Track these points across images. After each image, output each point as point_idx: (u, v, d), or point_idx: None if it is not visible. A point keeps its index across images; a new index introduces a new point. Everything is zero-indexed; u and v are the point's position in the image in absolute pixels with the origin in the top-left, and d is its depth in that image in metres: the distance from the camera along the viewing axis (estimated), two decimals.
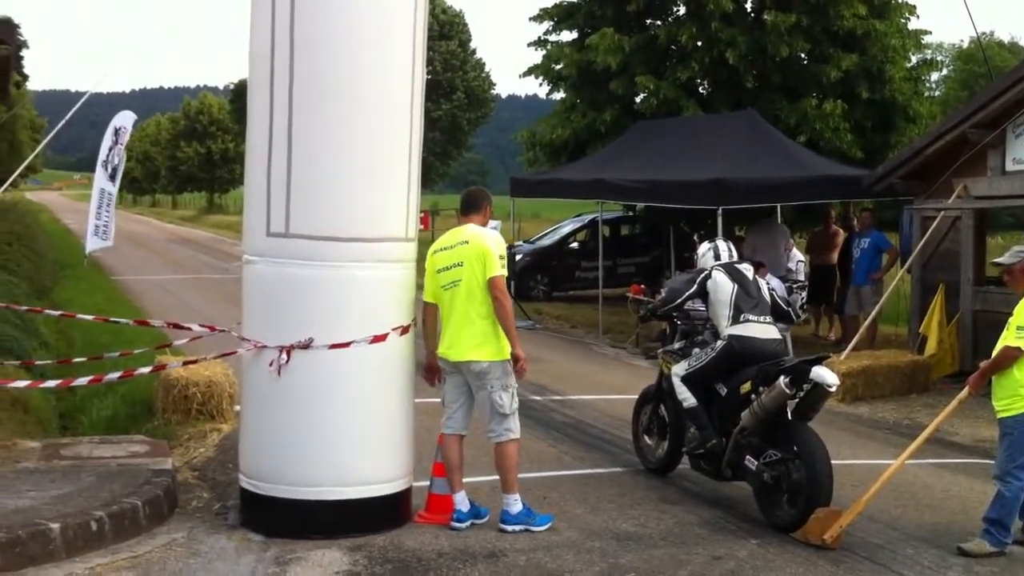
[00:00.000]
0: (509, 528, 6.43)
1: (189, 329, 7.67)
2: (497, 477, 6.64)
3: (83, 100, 6.69)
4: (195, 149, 71.79)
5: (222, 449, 8.26)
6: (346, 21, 6.09)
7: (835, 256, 15.98)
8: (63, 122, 6.68)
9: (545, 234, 23.10)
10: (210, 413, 8.99)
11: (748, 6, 18.65)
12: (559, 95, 20.87)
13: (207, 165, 72.38)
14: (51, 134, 6.25)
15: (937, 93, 33.77)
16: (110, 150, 10.94)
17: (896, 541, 6.56)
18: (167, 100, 76.85)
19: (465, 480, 6.65)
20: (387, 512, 6.37)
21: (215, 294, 19.80)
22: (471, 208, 6.76)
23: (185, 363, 8.04)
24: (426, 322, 6.69)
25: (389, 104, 6.25)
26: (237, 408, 8.83)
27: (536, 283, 20.35)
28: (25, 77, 43.64)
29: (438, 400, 9.88)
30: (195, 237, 42.87)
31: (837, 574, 5.96)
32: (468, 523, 6.51)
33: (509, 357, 6.43)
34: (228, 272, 25.14)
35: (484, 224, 6.72)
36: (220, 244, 37.41)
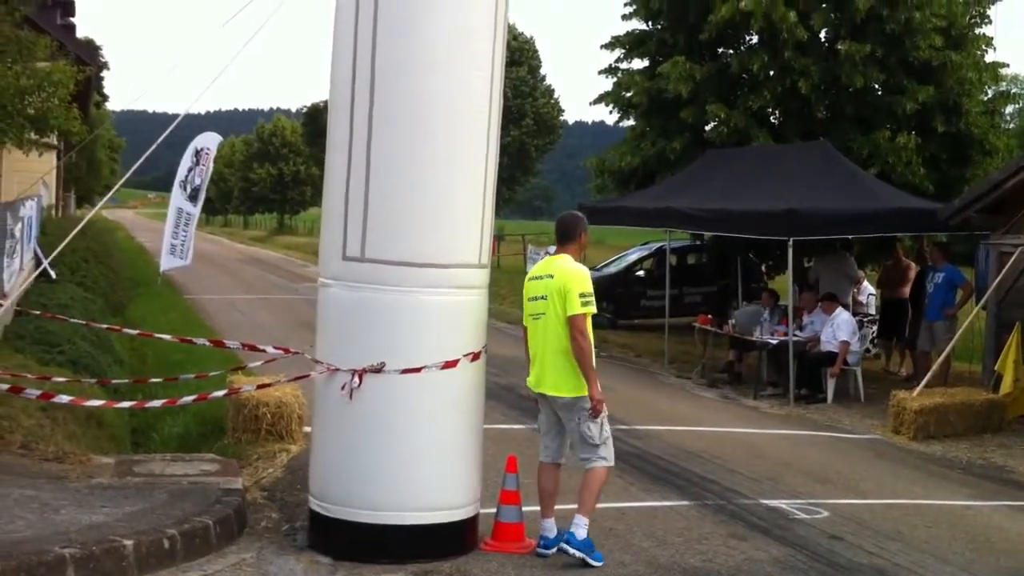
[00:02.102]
0: (571, 550, 6.38)
1: (264, 351, 7.78)
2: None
3: (176, 122, 6.84)
4: (267, 171, 73.09)
5: (290, 470, 8.34)
6: (427, 47, 6.15)
7: (907, 290, 15.73)
8: (157, 143, 6.84)
9: (611, 261, 23.06)
10: (279, 434, 9.09)
11: (822, 35, 18.49)
12: (629, 123, 20.86)
13: (278, 186, 73.62)
14: (145, 155, 6.40)
15: (1012, 125, 33.10)
16: (189, 171, 11.10)
17: None
18: (241, 122, 78.30)
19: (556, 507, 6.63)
20: (454, 539, 6.37)
21: (285, 315, 20.08)
22: (564, 238, 6.70)
23: (259, 387, 8.15)
24: (526, 344, 6.74)
25: (467, 130, 6.30)
26: (306, 429, 8.94)
27: (601, 311, 20.26)
28: (105, 97, 44.87)
29: (505, 427, 9.98)
30: (265, 257, 43.52)
31: None
32: (553, 550, 6.48)
33: None
34: (297, 293, 25.49)
35: (580, 253, 6.69)
36: (290, 265, 37.91)
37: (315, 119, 55.31)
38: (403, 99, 6.15)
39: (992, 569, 6.76)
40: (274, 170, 73.34)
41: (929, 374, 12.10)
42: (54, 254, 6.23)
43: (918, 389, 11.75)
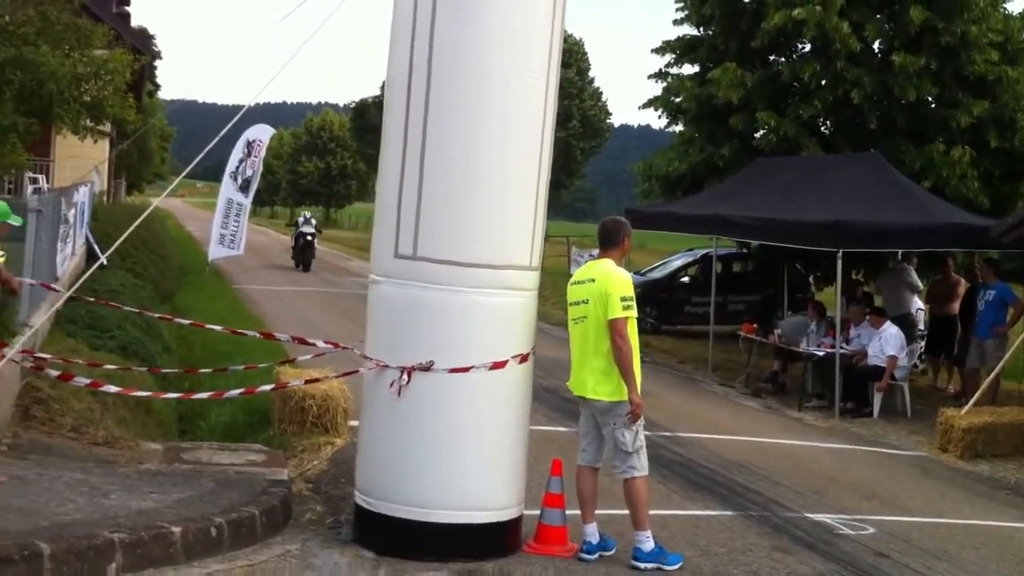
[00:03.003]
0: (641, 566, 6.37)
1: (314, 345, 7.82)
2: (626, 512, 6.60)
3: (240, 114, 6.88)
4: (315, 164, 73.59)
5: (335, 463, 8.38)
6: (485, 46, 6.15)
7: (956, 306, 15.50)
8: (219, 136, 6.88)
9: (656, 267, 22.97)
10: (324, 426, 9.14)
11: (876, 46, 18.28)
12: (677, 128, 20.76)
13: (325, 180, 74.11)
14: (208, 147, 6.40)
15: None
16: (240, 162, 11.23)
17: None
18: (289, 115, 78.85)
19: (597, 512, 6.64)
20: (498, 539, 6.38)
21: (329, 308, 20.19)
22: (607, 243, 6.72)
23: (307, 382, 8.20)
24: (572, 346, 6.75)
25: (522, 131, 6.30)
26: (351, 423, 8.99)
27: (645, 315, 20.22)
28: (157, 87, 45.39)
29: (548, 428, 9.96)
30: None
31: None
32: (596, 555, 6.49)
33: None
34: (341, 286, 25.64)
35: (622, 258, 6.68)
36: (335, 259, 38.11)
37: (363, 114, 55.68)
38: (459, 98, 6.15)
39: None
40: (321, 164, 73.83)
41: (979, 393, 11.93)
42: (115, 246, 6.29)
43: (967, 407, 11.60)
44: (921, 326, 16.52)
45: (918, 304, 17.31)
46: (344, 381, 9.03)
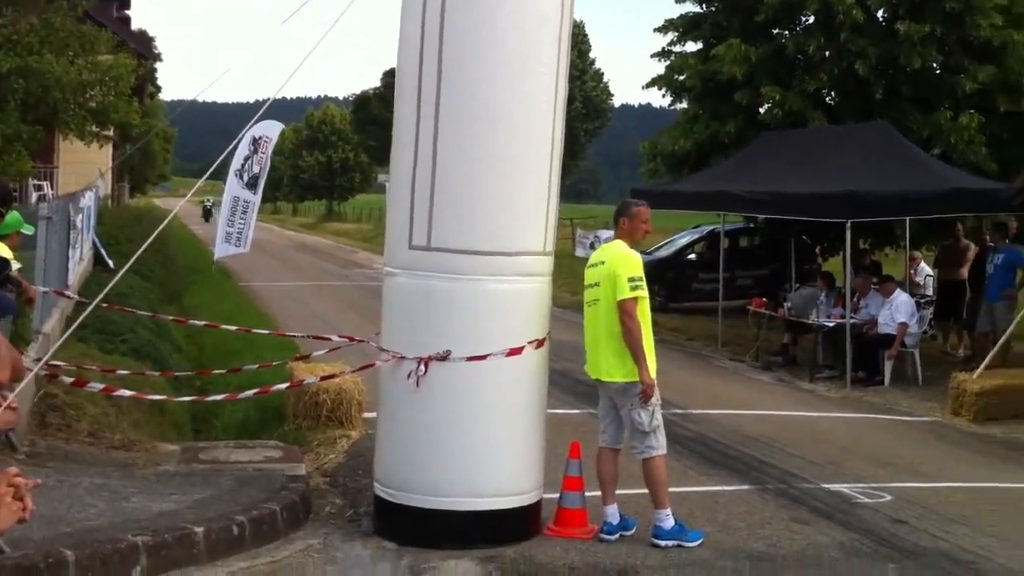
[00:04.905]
0: (662, 543, 6.42)
1: (329, 340, 7.84)
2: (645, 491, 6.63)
3: (264, 109, 6.88)
4: (316, 158, 73.60)
5: (352, 455, 8.42)
6: (496, 34, 6.14)
7: (965, 271, 15.48)
8: (240, 136, 6.89)
9: (662, 245, 22.95)
10: (339, 420, 9.16)
11: (880, 15, 18.18)
12: (681, 106, 20.71)
13: (327, 174, 74.12)
14: (231, 147, 6.40)
15: None
16: (246, 159, 11.21)
17: None
18: (290, 110, 78.60)
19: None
20: (519, 524, 6.41)
21: (337, 301, 20.23)
22: (615, 224, 6.82)
23: (322, 378, 8.23)
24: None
25: (533, 118, 6.29)
26: (366, 415, 9.03)
27: (653, 294, 20.18)
28: (158, 88, 45.39)
29: (562, 411, 9.99)
30: (315, 244, 43.88)
31: None
32: (617, 535, 6.53)
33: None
34: (348, 279, 25.69)
35: (632, 238, 6.68)
36: (339, 251, 38.20)
37: (364, 107, 55.57)
38: (471, 87, 6.14)
39: None
40: (323, 157, 73.83)
41: (990, 356, 11.92)
42: (135, 257, 6.29)
43: (979, 371, 11.59)
44: (930, 291, 16.51)
45: (927, 270, 17.30)
46: (359, 374, 9.06)
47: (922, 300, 15.21)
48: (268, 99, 6.60)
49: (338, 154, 73.71)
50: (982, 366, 11.71)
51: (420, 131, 6.20)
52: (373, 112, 51.55)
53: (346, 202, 79.32)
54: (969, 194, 13.48)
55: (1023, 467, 9.29)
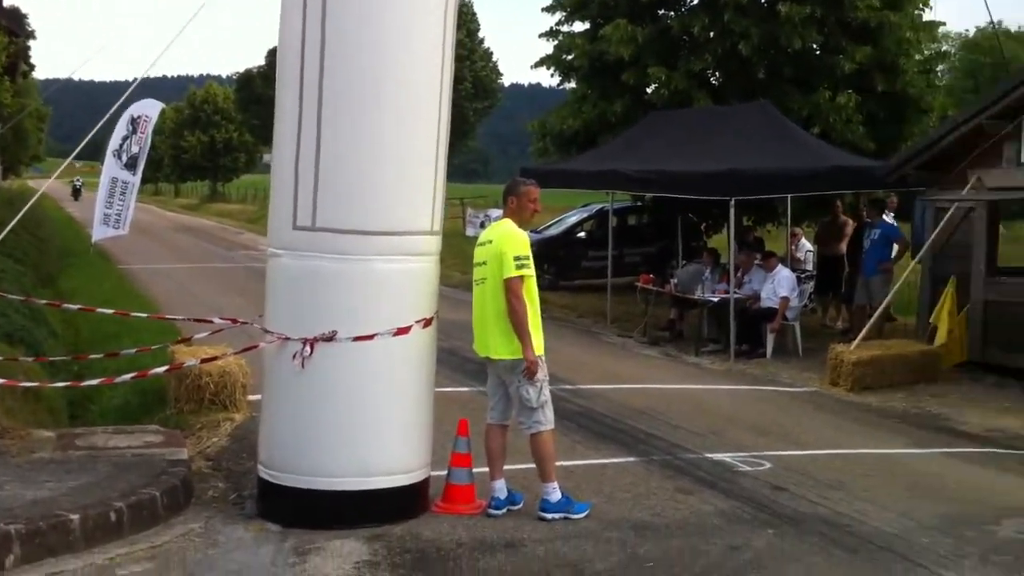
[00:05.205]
0: (549, 516, 6.46)
1: (211, 322, 7.66)
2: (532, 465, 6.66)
3: (134, 87, 6.66)
4: (198, 138, 71.83)
5: (235, 439, 8.26)
6: (377, 12, 6.05)
7: (843, 246, 15.97)
8: (108, 115, 6.65)
9: (552, 223, 23.09)
10: (223, 403, 8.98)
11: None
12: (569, 85, 20.83)
13: (210, 154, 72.41)
14: (99, 125, 6.17)
15: (943, 82, 33.67)
16: (125, 139, 10.85)
17: (912, 531, 6.55)
18: (171, 89, 76.44)
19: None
20: (406, 502, 6.37)
21: (221, 283, 19.83)
22: (503, 204, 6.80)
23: (203, 361, 8.04)
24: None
25: (418, 97, 6.22)
26: (250, 398, 8.86)
27: (543, 272, 20.34)
28: (32, 67, 43.60)
29: (455, 390, 9.98)
30: (199, 226, 42.91)
31: (854, 563, 5.96)
32: (504, 510, 6.56)
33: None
34: (233, 261, 25.20)
35: (520, 217, 6.66)
36: (224, 233, 37.44)
37: (248, 86, 54.42)
38: (354, 65, 6.04)
39: (930, 514, 6.92)
40: (206, 137, 72.09)
41: (866, 328, 12.32)
42: (4, 232, 6.04)
43: (855, 342, 11.97)
44: (810, 266, 16.98)
45: (807, 246, 17.79)
46: (242, 356, 8.89)
47: (802, 275, 15.64)
48: (140, 77, 6.40)
49: (221, 134, 72.03)
50: (859, 338, 12.09)
51: (303, 110, 6.08)
52: (257, 91, 50.50)
53: (230, 183, 77.66)
54: (847, 172, 13.89)
55: (896, 434, 9.64)
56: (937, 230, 12.41)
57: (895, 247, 13.96)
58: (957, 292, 12.06)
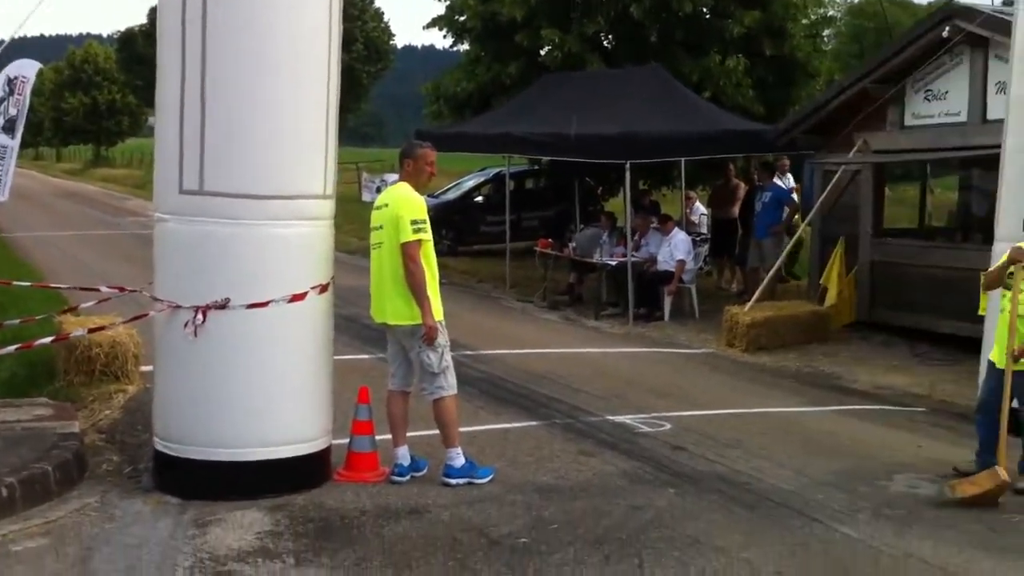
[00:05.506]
0: (452, 481, 6.45)
1: (97, 291, 7.41)
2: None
3: (3, 47, 6.35)
4: (80, 100, 69.30)
5: (129, 411, 8.05)
6: None
7: (736, 209, 16.25)
8: None
9: (449, 188, 22.96)
10: (114, 374, 8.73)
11: None
12: (463, 47, 20.65)
13: (93, 116, 69.97)
14: None
15: (829, 47, 34.46)
16: (1, 102, 10.36)
17: (807, 487, 6.73)
18: (49, 48, 73.39)
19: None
20: (307, 471, 6.29)
21: (107, 251, 19.23)
22: (400, 166, 6.70)
23: (91, 330, 7.79)
24: None
25: (306, 58, 6.09)
26: (143, 369, 8.63)
27: (441, 238, 20.25)
28: None
29: (356, 357, 9.88)
30: (82, 191, 41.56)
31: (752, 520, 6.09)
32: (408, 476, 6.53)
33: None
34: (120, 227, 24.47)
35: (417, 180, 6.57)
36: (109, 199, 36.33)
37: (130, 45, 52.71)
38: (239, 21, 5.88)
39: (824, 470, 7.13)
40: (87, 99, 69.59)
41: (759, 290, 12.58)
42: None
43: (749, 304, 12.22)
44: (705, 230, 17.25)
45: (701, 209, 18.06)
46: (133, 326, 8.63)
47: (698, 238, 15.88)
48: (10, 36, 6.10)
49: (104, 95, 69.62)
50: (752, 299, 12.35)
51: (187, 69, 5.90)
52: (139, 50, 48.92)
53: (115, 147, 75.27)
54: (738, 136, 14.13)
55: (790, 392, 9.89)
56: (825, 193, 12.72)
57: (786, 210, 14.26)
58: (846, 253, 12.40)
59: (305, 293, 6.14)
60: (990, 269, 7.16)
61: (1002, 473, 6.48)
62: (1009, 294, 6.80)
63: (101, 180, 49.59)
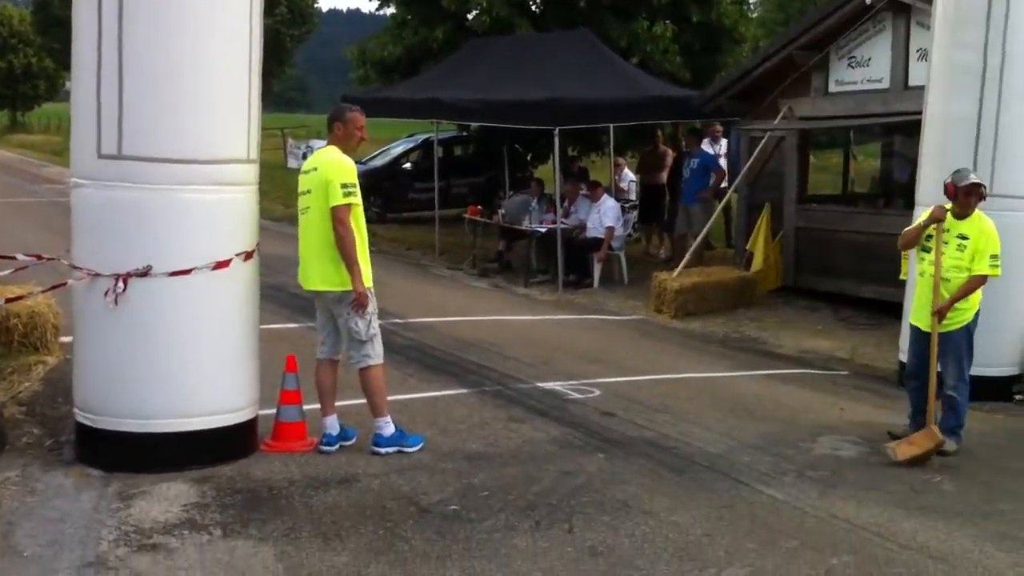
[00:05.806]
0: (382, 451, 6.42)
1: (13, 259, 7.18)
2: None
3: None
4: None
5: (49, 382, 7.85)
6: None
7: (664, 176, 16.34)
8: None
9: (377, 154, 22.73)
10: (33, 345, 8.49)
11: None
12: (389, 11, 20.39)
13: (8, 81, 67.83)
14: None
15: (755, 14, 34.73)
16: None
17: (733, 450, 6.82)
18: None
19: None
20: (234, 442, 6.19)
21: (25, 219, 18.70)
22: (328, 130, 6.57)
23: (8, 300, 7.56)
24: None
25: (227, 18, 5.93)
26: (63, 339, 8.41)
27: (369, 205, 20.01)
28: None
29: (284, 326, 9.75)
30: None
31: (681, 483, 6.15)
32: (337, 446, 6.47)
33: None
34: (37, 195, 23.82)
35: (346, 144, 6.45)
36: (26, 165, 35.30)
37: (45, 7, 51.14)
38: None
39: (752, 434, 7.23)
40: (2, 63, 67.46)
41: (687, 256, 12.68)
42: None
43: (677, 270, 12.32)
44: (633, 196, 17.33)
45: (630, 176, 18.14)
46: (52, 295, 8.40)
47: (626, 204, 15.96)
48: None
49: (19, 59, 67.48)
50: (680, 265, 12.45)
51: (103, 31, 5.69)
52: (55, 12, 47.44)
53: (31, 112, 73.18)
54: (666, 102, 14.18)
55: (718, 357, 10.01)
56: (751, 159, 12.83)
57: (713, 176, 14.37)
58: (772, 219, 12.54)
59: (229, 260, 6.01)
60: (908, 227, 7.28)
61: (938, 433, 6.65)
62: (928, 257, 6.93)
63: (18, 146, 48.10)
